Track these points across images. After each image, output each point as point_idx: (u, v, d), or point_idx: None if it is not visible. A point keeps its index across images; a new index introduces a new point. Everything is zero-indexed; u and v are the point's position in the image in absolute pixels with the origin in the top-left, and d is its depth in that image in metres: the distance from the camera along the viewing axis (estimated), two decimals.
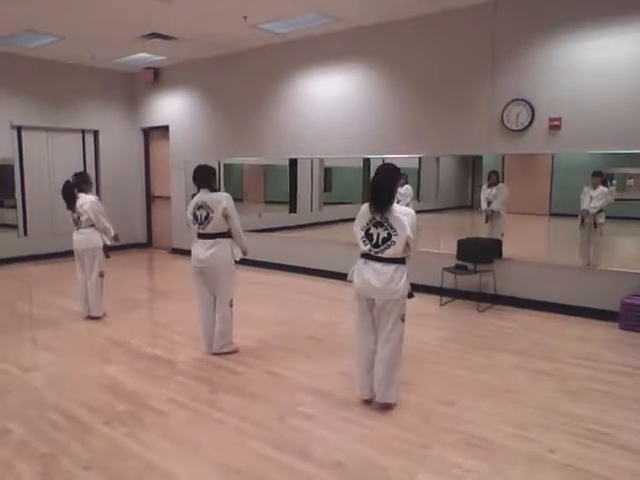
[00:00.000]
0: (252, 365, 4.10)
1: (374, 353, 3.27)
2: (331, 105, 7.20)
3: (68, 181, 5.21)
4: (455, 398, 3.50)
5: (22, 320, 5.15)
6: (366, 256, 3.24)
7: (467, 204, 7.52)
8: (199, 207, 4.08)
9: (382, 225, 3.15)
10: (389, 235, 3.13)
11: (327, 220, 8.43)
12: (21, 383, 3.78)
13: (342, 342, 4.57)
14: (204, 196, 4.08)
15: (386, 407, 3.28)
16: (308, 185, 8.49)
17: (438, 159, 7.12)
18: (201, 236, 4.12)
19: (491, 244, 6.03)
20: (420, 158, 7.00)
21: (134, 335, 4.83)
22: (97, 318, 5.26)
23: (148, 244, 10.23)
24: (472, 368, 4.06)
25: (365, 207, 3.26)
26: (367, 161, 7.21)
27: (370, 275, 3.17)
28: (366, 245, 3.21)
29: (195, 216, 4.09)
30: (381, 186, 3.17)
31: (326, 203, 8.63)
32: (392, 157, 6.73)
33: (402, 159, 6.68)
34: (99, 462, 2.73)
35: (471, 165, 7.23)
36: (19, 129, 8.46)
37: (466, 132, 6.03)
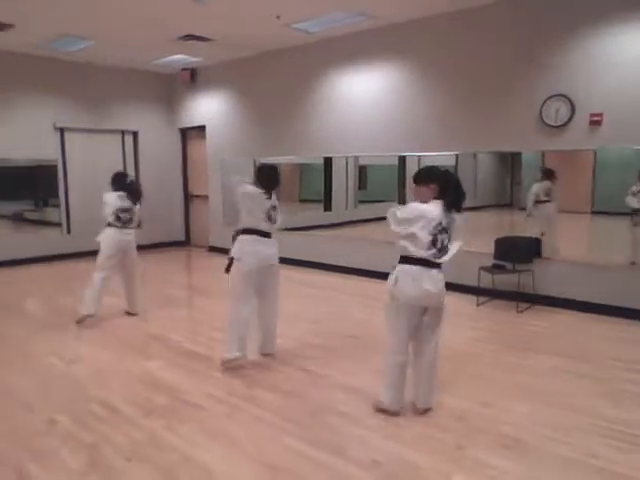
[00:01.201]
0: (288, 363, 4.14)
1: (408, 364, 3.21)
2: (366, 103, 7.19)
3: (132, 179, 5.44)
4: (491, 399, 3.46)
5: (66, 315, 5.33)
6: (424, 262, 3.00)
7: (506, 202, 7.38)
8: (274, 207, 4.08)
9: (446, 231, 3.03)
10: (448, 241, 3.07)
11: (362, 218, 8.41)
12: (66, 375, 3.93)
13: (378, 340, 4.55)
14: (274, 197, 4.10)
15: (427, 411, 3.26)
16: (343, 183, 8.49)
17: (475, 156, 7.00)
18: (266, 235, 4.03)
19: (530, 243, 5.92)
20: (457, 155, 6.90)
21: (173, 331, 4.94)
22: (136, 314, 5.43)
23: (186, 242, 10.42)
24: (509, 369, 4.01)
25: (436, 209, 2.99)
26: (402, 159, 7.17)
27: (428, 282, 3.00)
28: (430, 250, 2.98)
29: (269, 215, 4.05)
30: (462, 190, 3.08)
31: (361, 201, 8.61)
32: (427, 154, 6.70)
33: (437, 156, 6.63)
34: (140, 453, 2.82)
35: (510, 162, 7.09)
36: (62, 131, 8.74)
37: (503, 128, 5.93)
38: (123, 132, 9.56)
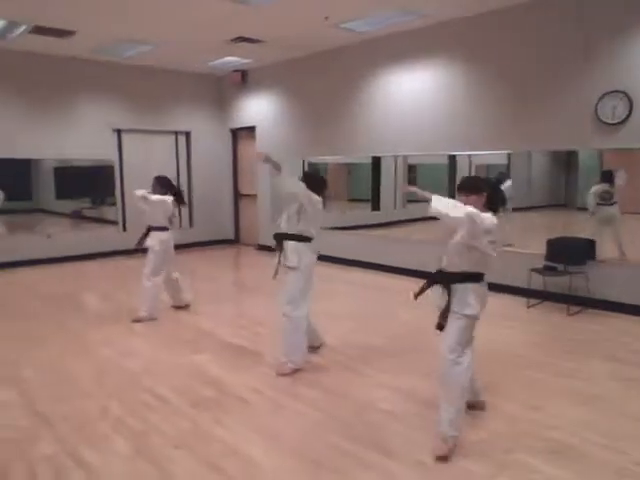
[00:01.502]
0: (333, 360, 4.16)
1: None
2: (415, 102, 7.12)
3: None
4: (541, 403, 3.37)
5: (121, 309, 5.54)
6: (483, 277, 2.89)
7: (561, 202, 7.14)
8: None
9: None
10: None
11: (411, 218, 8.34)
12: (119, 367, 4.08)
13: (423, 340, 4.53)
14: None
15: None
16: (391, 183, 8.44)
17: (530, 155, 6.81)
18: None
19: (583, 244, 5.71)
20: (509, 154, 6.74)
21: (222, 326, 5.05)
22: (184, 307, 5.62)
23: (236, 240, 10.62)
24: (561, 373, 3.89)
25: (493, 219, 2.77)
26: (452, 158, 7.07)
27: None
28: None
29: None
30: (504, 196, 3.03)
31: (410, 201, 8.54)
32: (479, 153, 6.58)
33: (489, 155, 6.50)
34: (186, 443, 2.90)
35: (565, 161, 6.85)
36: (119, 132, 9.09)
37: (556, 126, 5.75)
38: (176, 133, 9.84)
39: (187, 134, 9.96)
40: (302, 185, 3.78)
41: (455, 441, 2.78)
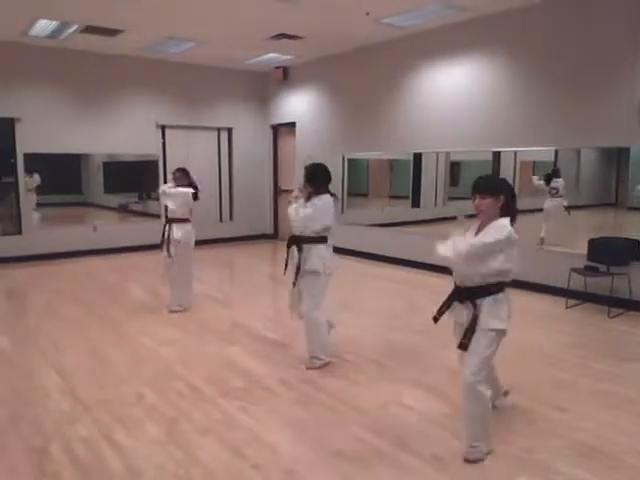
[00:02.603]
0: (361, 354, 4.20)
1: None
2: (457, 97, 7.02)
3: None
4: (570, 405, 3.31)
5: (161, 300, 5.73)
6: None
7: (611, 201, 6.91)
8: None
9: None
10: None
11: (452, 215, 8.23)
12: (155, 355, 4.24)
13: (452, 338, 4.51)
14: None
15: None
16: (433, 179, 8.37)
17: (579, 152, 6.61)
18: None
19: (626, 245, 5.53)
20: (556, 151, 6.56)
21: (255, 319, 5.16)
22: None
23: (274, 235, 10.76)
24: (595, 376, 3.80)
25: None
26: (497, 154, 6.94)
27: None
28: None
29: None
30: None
31: (452, 198, 8.43)
32: (524, 149, 6.44)
33: (535, 152, 6.35)
34: (214, 430, 3.01)
35: (616, 159, 6.62)
36: (163, 128, 9.35)
37: (605, 122, 5.55)
38: (219, 129, 10.04)
39: (229, 130, 10.14)
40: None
41: (481, 451, 2.69)
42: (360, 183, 9.72)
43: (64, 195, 9.51)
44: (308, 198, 3.85)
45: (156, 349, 4.38)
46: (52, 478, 2.56)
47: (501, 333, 2.67)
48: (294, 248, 3.92)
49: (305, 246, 3.84)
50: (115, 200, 9.81)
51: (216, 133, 10.05)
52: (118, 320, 5.14)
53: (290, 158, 10.07)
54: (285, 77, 9.70)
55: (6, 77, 7.87)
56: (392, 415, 3.17)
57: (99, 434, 2.96)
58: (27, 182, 8.26)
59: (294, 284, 3.96)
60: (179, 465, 2.66)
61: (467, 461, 2.66)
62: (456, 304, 2.74)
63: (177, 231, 5.27)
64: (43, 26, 7.03)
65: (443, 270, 7.08)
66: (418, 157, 8.16)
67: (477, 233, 2.68)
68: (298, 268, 3.87)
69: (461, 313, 2.72)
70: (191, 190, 5.33)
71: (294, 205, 3.92)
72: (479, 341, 2.62)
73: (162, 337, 4.68)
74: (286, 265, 4.05)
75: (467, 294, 2.67)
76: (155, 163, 9.36)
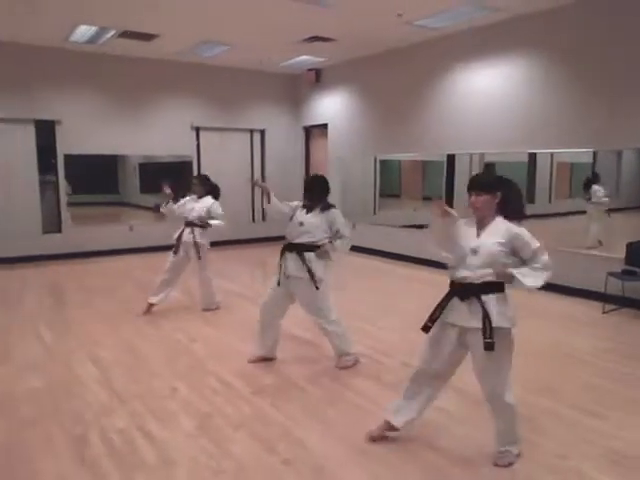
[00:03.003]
0: (391, 355, 4.21)
1: None
2: (491, 98, 6.96)
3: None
4: (606, 411, 3.26)
5: (195, 298, 5.83)
6: None
7: None
8: None
9: None
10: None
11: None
12: (188, 351, 4.34)
13: None
14: None
15: None
16: (466, 181, 8.28)
17: (620, 153, 6.45)
18: None
19: None
20: (594, 152, 6.42)
21: (286, 318, 5.18)
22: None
23: None
24: (631, 383, 3.72)
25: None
26: (532, 156, 6.84)
27: None
28: None
29: None
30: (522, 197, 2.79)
31: None
32: (560, 151, 6.34)
33: (572, 154, 6.24)
34: (246, 425, 3.07)
35: None
36: (197, 130, 9.52)
37: None
38: (252, 130, 10.17)
39: (262, 132, 10.26)
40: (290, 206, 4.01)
41: (511, 455, 2.67)
42: (392, 184, 9.71)
43: (101, 195, 9.78)
44: (311, 208, 3.90)
45: (189, 345, 4.48)
46: (91, 465, 2.65)
47: (507, 332, 2.58)
48: (292, 255, 3.87)
49: (306, 254, 3.81)
50: (151, 200, 10.02)
51: (249, 135, 10.18)
52: (153, 316, 5.27)
53: (322, 159, 10.12)
54: (317, 79, 9.76)
55: (48, 81, 8.16)
56: (422, 417, 3.17)
57: (134, 425, 3.05)
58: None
59: (279, 284, 3.91)
60: (211, 457, 2.72)
61: (497, 466, 2.65)
62: (455, 303, 2.63)
63: (197, 234, 5.37)
64: (83, 32, 7.27)
65: None
66: (451, 158, 8.10)
67: (479, 232, 2.61)
68: (310, 274, 3.78)
69: (460, 313, 2.60)
70: (207, 204, 5.41)
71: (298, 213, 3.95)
72: (497, 346, 2.48)
73: (195, 334, 4.78)
74: (280, 269, 3.94)
75: (473, 291, 2.56)
76: (190, 164, 9.54)
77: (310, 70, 9.71)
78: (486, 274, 2.53)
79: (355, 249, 8.62)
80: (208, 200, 5.45)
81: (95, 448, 2.82)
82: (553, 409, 3.27)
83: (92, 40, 7.65)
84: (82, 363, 4.05)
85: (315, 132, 10.38)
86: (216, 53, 8.44)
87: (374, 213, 9.35)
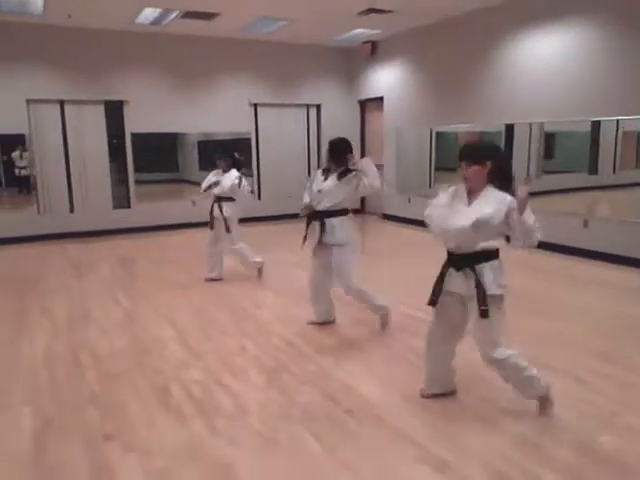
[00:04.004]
0: None
1: None
2: (551, 66, 6.80)
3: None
4: None
5: (255, 268, 6.13)
6: None
7: None
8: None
9: None
10: None
11: (545, 189, 7.97)
12: (254, 316, 4.63)
13: (543, 307, 4.57)
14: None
15: None
16: (525, 152, 8.14)
17: None
18: None
19: None
20: None
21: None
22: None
23: (361, 210, 10.95)
24: None
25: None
26: (596, 124, 6.66)
27: None
28: None
29: None
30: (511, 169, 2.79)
31: (546, 171, 8.17)
32: (626, 118, 6.16)
33: (636, 121, 6.06)
34: (310, 379, 3.32)
35: None
36: (256, 106, 9.76)
37: None
38: (307, 105, 10.31)
39: (317, 106, 10.39)
40: None
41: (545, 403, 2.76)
42: (448, 157, 9.64)
43: (162, 173, 10.21)
44: (329, 172, 3.99)
45: (254, 310, 4.78)
46: (176, 410, 2.97)
47: (499, 299, 2.65)
48: (316, 223, 3.98)
49: (327, 220, 3.93)
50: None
51: (305, 110, 10.33)
52: (221, 286, 5.59)
53: (377, 133, 10.18)
54: (373, 52, 9.76)
55: (116, 63, 8.58)
56: (477, 375, 3.31)
57: (210, 378, 3.36)
58: None
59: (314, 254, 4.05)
60: (280, 406, 2.99)
61: (542, 415, 2.75)
62: (452, 273, 2.72)
63: (226, 209, 5.55)
64: (148, 14, 7.58)
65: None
66: (510, 128, 7.97)
67: (470, 200, 2.66)
68: (320, 242, 3.94)
69: (457, 282, 2.70)
70: (233, 177, 5.51)
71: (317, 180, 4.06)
72: (491, 311, 2.59)
73: (258, 299, 5.11)
74: (304, 239, 4.13)
75: (467, 260, 2.65)
76: (248, 141, 9.81)
77: (365, 43, 9.72)
78: (478, 244, 2.59)
79: (410, 222, 8.72)
80: (233, 173, 5.56)
81: (177, 397, 3.13)
82: (610, 372, 3.34)
83: (156, 22, 7.96)
84: (158, 325, 4.41)
85: (370, 105, 10.41)
86: (273, 29, 8.59)
87: (429, 187, 9.34)
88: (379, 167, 10.20)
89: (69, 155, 8.52)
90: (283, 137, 10.00)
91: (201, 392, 3.18)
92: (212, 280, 5.70)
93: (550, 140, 7.83)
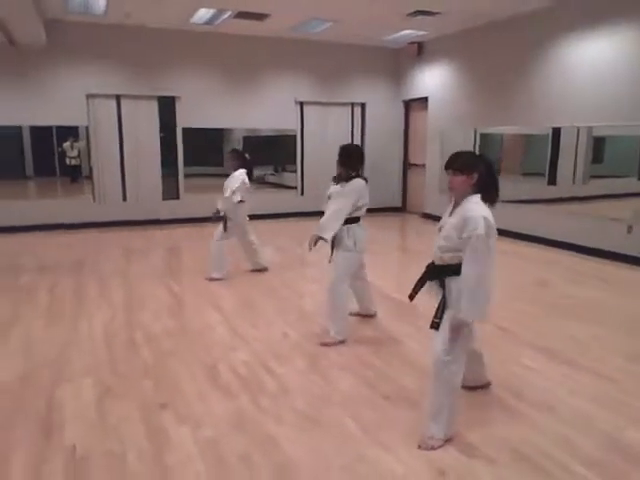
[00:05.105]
0: (487, 320, 4.43)
1: None
2: (600, 69, 6.74)
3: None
4: None
5: (295, 260, 6.37)
6: None
7: None
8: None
9: None
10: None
11: (592, 194, 7.88)
12: (295, 304, 4.86)
13: (576, 311, 4.62)
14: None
15: None
16: (571, 156, 8.06)
17: None
18: None
19: None
20: None
21: (385, 281, 5.55)
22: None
23: (402, 208, 11.05)
24: None
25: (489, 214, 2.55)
26: None
27: None
28: None
29: None
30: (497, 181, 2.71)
31: (594, 176, 8.07)
32: None
33: None
34: (349, 366, 3.51)
35: None
36: (301, 104, 9.98)
37: None
38: (352, 104, 10.46)
39: (362, 105, 10.53)
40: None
41: (436, 442, 2.57)
42: (492, 159, 9.59)
43: (209, 167, 10.54)
44: (340, 179, 3.94)
45: (296, 300, 5.00)
46: (224, 387, 3.21)
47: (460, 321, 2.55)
48: None
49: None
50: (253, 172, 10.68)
51: (350, 108, 10.48)
52: (263, 277, 5.83)
53: (421, 133, 10.25)
54: (419, 52, 9.83)
55: (170, 60, 8.94)
56: (511, 371, 3.43)
57: (256, 360, 3.59)
58: None
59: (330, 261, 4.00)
60: (321, 389, 3.18)
61: (419, 448, 2.56)
62: (431, 283, 2.72)
63: (224, 205, 5.58)
64: (202, 14, 7.89)
65: (576, 249, 6.94)
66: (557, 132, 7.91)
67: (452, 212, 2.62)
68: (332, 247, 3.94)
69: (431, 289, 2.73)
70: (243, 173, 5.55)
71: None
72: (446, 322, 2.57)
73: (301, 290, 5.33)
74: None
75: (437, 272, 2.65)
76: (292, 138, 10.05)
77: (412, 43, 9.80)
78: (446, 256, 2.57)
79: None
80: (238, 174, 5.57)
81: (225, 375, 3.37)
82: (633, 368, 3.42)
83: (210, 21, 8.26)
84: (207, 310, 4.67)
85: (415, 105, 10.49)
86: (321, 29, 8.78)
87: None
88: (420, 167, 10.35)
89: (123, 147, 8.94)
90: (327, 135, 10.19)
91: (247, 372, 3.41)
92: (213, 280, 5.58)
93: (599, 144, 7.74)
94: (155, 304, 4.84)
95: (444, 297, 2.59)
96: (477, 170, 2.56)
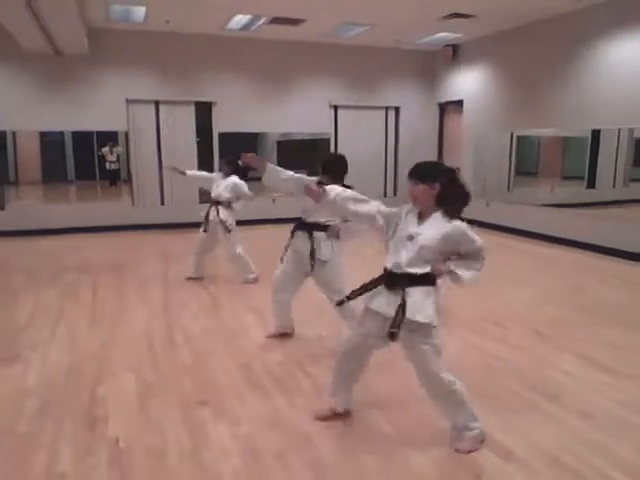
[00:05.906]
0: (520, 324, 4.42)
1: None
2: None
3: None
4: None
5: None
6: None
7: None
8: None
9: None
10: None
11: (633, 198, 7.69)
12: (331, 308, 4.87)
13: (613, 315, 4.55)
14: None
15: None
16: (612, 159, 7.90)
17: None
18: None
19: None
20: None
21: None
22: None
23: None
24: None
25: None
26: None
27: None
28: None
29: None
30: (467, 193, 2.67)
31: (635, 180, 7.89)
32: None
33: None
34: (385, 371, 3.51)
35: None
36: (335, 108, 10.04)
37: None
38: (386, 108, 10.47)
39: (396, 109, 10.52)
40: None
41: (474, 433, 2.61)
42: (529, 161, 9.50)
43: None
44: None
45: (326, 301, 5.01)
46: (256, 385, 3.30)
47: (428, 328, 2.51)
48: (303, 234, 3.87)
49: (316, 234, 3.79)
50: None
51: (384, 112, 10.49)
52: None
53: (456, 136, 10.19)
54: (454, 55, 9.77)
55: (206, 66, 9.14)
56: (548, 376, 3.40)
57: (290, 360, 3.66)
58: None
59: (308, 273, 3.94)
60: (355, 389, 3.18)
61: (457, 450, 2.59)
62: (381, 290, 2.57)
63: (222, 212, 5.64)
64: (238, 20, 8.05)
65: (613, 253, 6.81)
66: (596, 134, 7.75)
67: (420, 221, 2.53)
68: (312, 255, 3.80)
69: (383, 300, 2.55)
70: (230, 183, 5.61)
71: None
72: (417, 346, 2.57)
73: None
74: (286, 249, 4.11)
75: (400, 281, 2.49)
76: (326, 141, 10.11)
77: (446, 46, 9.75)
78: (416, 266, 2.47)
79: (488, 226, 8.67)
80: (232, 179, 5.61)
81: (259, 374, 3.45)
82: None
83: (245, 27, 8.42)
84: (242, 312, 4.77)
85: (450, 108, 10.43)
86: (355, 33, 8.83)
87: (508, 190, 9.25)
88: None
89: (161, 152, 9.16)
90: (362, 138, 10.22)
91: (282, 372, 3.48)
92: (191, 279, 5.71)
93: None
94: (193, 305, 4.96)
95: (402, 306, 2.45)
96: (439, 180, 2.49)
